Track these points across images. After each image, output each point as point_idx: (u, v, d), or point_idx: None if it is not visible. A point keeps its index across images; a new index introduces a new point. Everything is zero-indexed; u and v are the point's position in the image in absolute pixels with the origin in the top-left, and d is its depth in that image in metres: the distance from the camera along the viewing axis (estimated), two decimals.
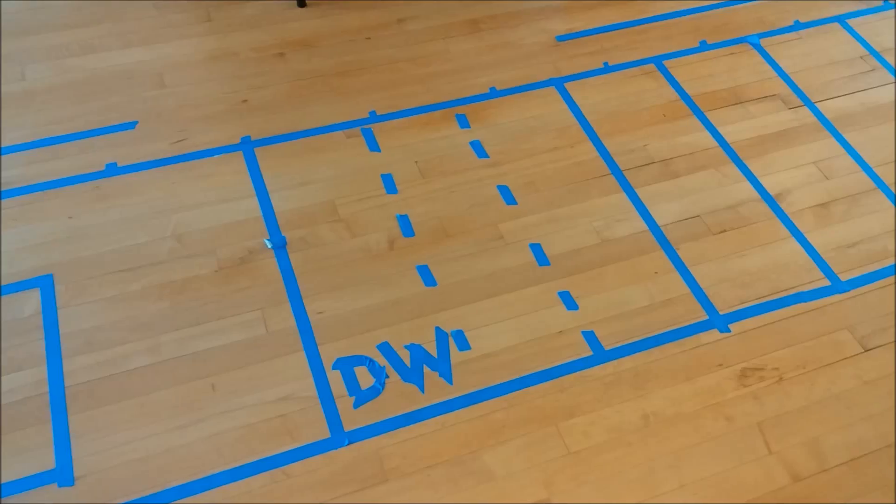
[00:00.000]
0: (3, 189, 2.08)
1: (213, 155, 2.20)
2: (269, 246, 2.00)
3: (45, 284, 1.89)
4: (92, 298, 1.88)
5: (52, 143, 2.19)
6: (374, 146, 2.26)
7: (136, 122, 2.26)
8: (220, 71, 2.44)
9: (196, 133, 2.25)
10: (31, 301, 1.86)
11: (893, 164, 2.34)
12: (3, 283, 1.89)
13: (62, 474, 1.62)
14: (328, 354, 1.82)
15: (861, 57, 2.66)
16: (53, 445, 1.65)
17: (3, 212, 2.03)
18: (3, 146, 2.17)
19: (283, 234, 2.03)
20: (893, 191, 2.26)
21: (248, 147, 2.22)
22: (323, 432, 1.70)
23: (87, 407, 1.71)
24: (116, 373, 1.77)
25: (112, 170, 2.14)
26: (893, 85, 2.57)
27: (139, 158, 2.18)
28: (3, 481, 1.60)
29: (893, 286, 2.04)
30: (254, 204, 2.09)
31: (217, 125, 2.27)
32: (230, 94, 2.37)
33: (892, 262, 2.09)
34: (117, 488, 1.60)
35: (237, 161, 2.19)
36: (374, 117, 2.33)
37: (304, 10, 2.65)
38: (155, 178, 2.14)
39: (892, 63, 2.64)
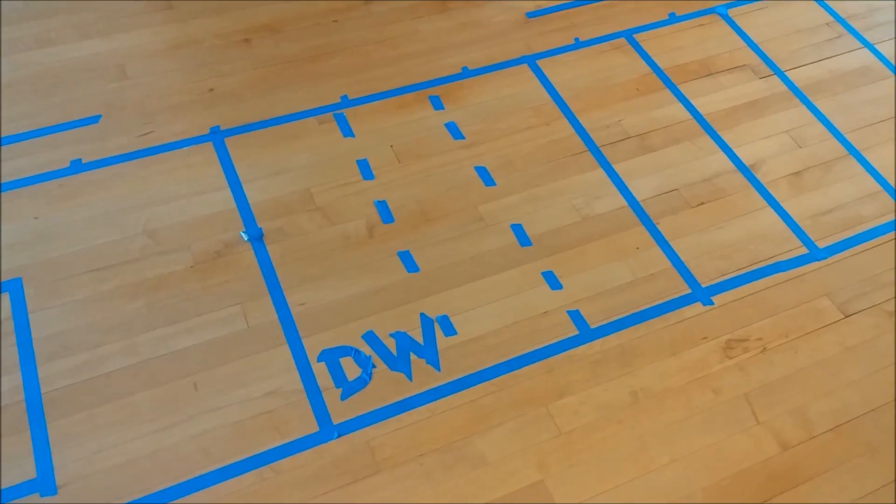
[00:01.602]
0: None
1: (181, 147, 2.13)
2: (246, 238, 1.95)
3: (13, 288, 1.83)
4: (64, 300, 1.82)
5: (12, 141, 2.11)
6: (347, 131, 2.21)
7: (100, 116, 2.18)
8: (183, 59, 2.36)
9: (163, 125, 2.18)
10: (1, 306, 1.80)
11: (863, 130, 2.36)
12: None
13: (44, 483, 1.57)
14: (312, 347, 1.79)
15: (827, 24, 2.68)
16: (33, 454, 1.60)
17: None
18: None
19: (258, 226, 1.98)
20: (864, 157, 2.29)
21: (217, 137, 2.16)
22: (311, 426, 1.68)
23: (66, 413, 1.66)
24: (94, 376, 1.72)
25: (77, 166, 2.07)
26: (859, 51, 2.59)
27: (105, 153, 2.10)
28: None
29: (869, 251, 2.07)
30: (227, 195, 2.04)
31: (184, 116, 2.21)
32: (196, 83, 2.30)
33: (868, 228, 2.11)
34: (102, 494, 1.56)
35: (207, 152, 2.13)
36: (346, 102, 2.28)
37: None
38: (122, 173, 2.07)
39: (858, 29, 2.65)
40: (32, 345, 1.75)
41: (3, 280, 1.84)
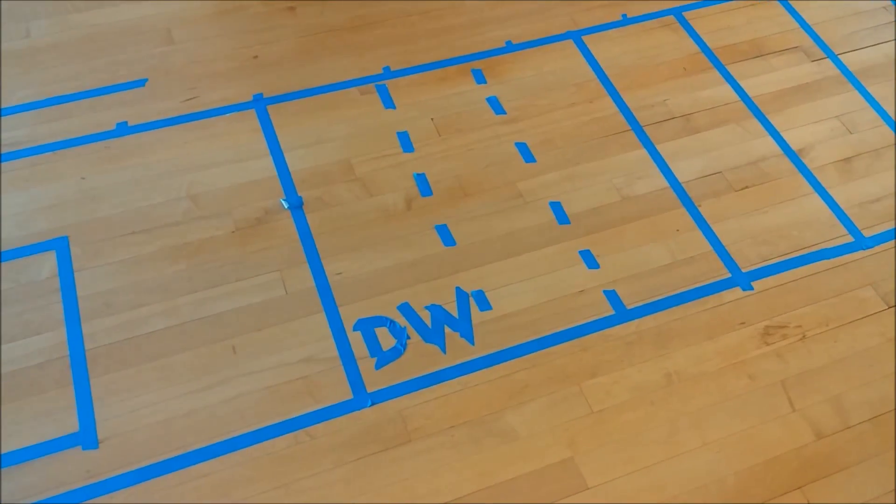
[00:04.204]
0: (14, 150, 2.03)
1: (225, 113, 2.15)
2: (286, 206, 1.97)
3: (60, 247, 1.87)
4: (108, 260, 1.86)
5: (60, 101, 2.15)
6: (389, 103, 2.21)
7: (146, 80, 2.21)
8: (229, 26, 2.37)
9: (207, 90, 2.20)
10: (48, 263, 1.84)
11: None
12: (18, 246, 1.86)
13: (86, 437, 1.61)
14: (348, 315, 1.81)
15: (884, 7, 2.59)
16: (76, 408, 1.65)
17: (14, 173, 1.99)
18: (10, 105, 2.12)
19: (299, 194, 2.00)
20: None
21: (261, 105, 2.17)
22: (345, 393, 1.70)
23: (108, 370, 1.70)
24: (136, 335, 1.75)
25: (123, 129, 2.10)
26: None
27: (150, 117, 2.13)
28: (26, 445, 1.59)
29: None
30: (268, 163, 2.06)
31: (228, 82, 2.22)
32: (240, 49, 2.31)
33: None
34: (142, 450, 1.60)
35: (250, 119, 2.14)
36: (389, 73, 2.28)
37: None
38: (167, 137, 2.09)
39: None
40: (77, 302, 1.79)
41: (50, 238, 1.88)
